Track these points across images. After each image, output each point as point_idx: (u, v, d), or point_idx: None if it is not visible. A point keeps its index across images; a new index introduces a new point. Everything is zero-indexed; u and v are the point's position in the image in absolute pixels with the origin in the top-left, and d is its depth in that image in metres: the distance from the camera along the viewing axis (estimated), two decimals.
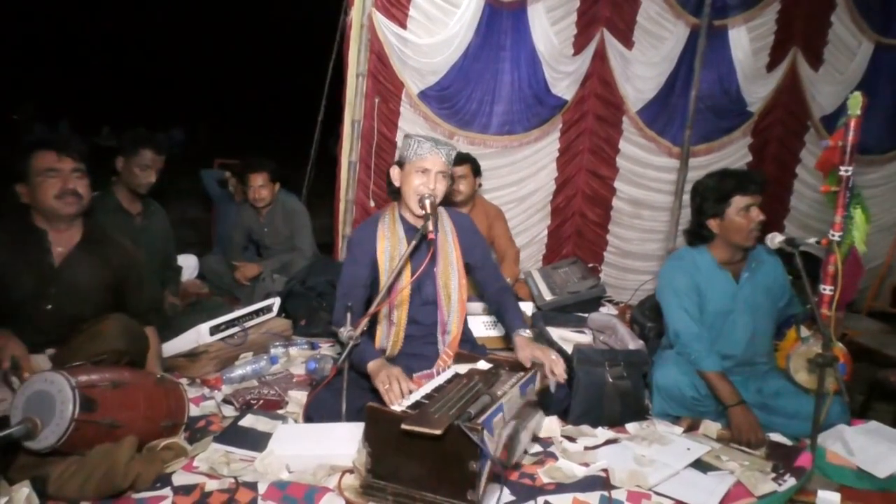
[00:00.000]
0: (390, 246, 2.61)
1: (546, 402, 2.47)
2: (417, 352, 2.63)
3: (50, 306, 2.37)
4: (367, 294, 2.65)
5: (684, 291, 2.74)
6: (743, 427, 2.47)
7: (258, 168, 4.10)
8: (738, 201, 2.65)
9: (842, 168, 2.65)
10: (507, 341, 3.40)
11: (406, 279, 2.58)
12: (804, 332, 2.71)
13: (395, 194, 2.67)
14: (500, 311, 2.77)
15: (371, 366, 2.36)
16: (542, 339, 3.21)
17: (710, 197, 2.72)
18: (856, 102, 2.62)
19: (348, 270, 2.67)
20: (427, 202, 2.43)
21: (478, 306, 3.36)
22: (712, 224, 2.73)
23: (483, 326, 3.34)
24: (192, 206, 6.19)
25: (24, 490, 1.88)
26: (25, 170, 2.33)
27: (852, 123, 2.62)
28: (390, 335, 2.66)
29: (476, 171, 3.89)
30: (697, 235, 2.80)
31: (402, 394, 2.15)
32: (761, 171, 2.74)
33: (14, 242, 2.36)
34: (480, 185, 4.04)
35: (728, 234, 2.70)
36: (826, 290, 2.67)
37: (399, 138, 4.15)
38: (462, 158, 3.80)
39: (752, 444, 2.43)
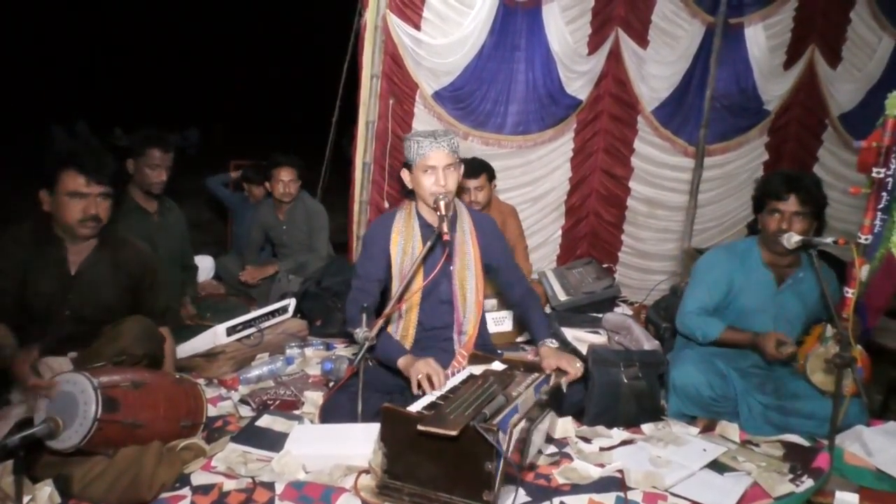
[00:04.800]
0: (404, 241, 2.62)
1: (558, 401, 2.48)
2: (430, 357, 2.63)
3: (68, 312, 2.40)
4: (381, 288, 2.67)
5: (713, 284, 2.77)
6: (766, 342, 2.55)
7: (288, 163, 4.14)
8: (772, 203, 2.65)
9: (875, 170, 2.61)
10: (520, 335, 3.43)
11: (419, 280, 2.58)
12: (829, 330, 2.69)
13: (411, 195, 2.68)
14: (526, 318, 2.78)
15: (402, 362, 2.40)
16: (557, 339, 3.21)
17: (757, 191, 2.75)
18: (894, 102, 2.57)
19: (363, 265, 2.70)
20: (441, 203, 2.43)
21: (487, 303, 3.35)
22: (759, 217, 2.76)
23: (493, 322, 3.34)
24: (208, 207, 6.24)
25: (46, 489, 1.92)
26: (52, 181, 2.32)
27: (890, 124, 2.57)
28: (399, 330, 2.67)
29: (491, 177, 3.88)
30: (753, 223, 2.89)
31: (437, 386, 2.21)
32: (813, 182, 2.67)
33: (33, 249, 2.38)
34: (495, 186, 4.05)
35: (763, 232, 2.72)
36: (849, 293, 2.64)
37: None
38: (477, 168, 3.76)
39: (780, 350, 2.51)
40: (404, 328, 2.67)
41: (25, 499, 1.85)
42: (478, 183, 3.75)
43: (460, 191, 3.71)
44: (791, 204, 2.59)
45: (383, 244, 2.65)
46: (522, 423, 2.03)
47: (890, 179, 2.63)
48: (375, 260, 2.66)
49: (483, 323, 2.80)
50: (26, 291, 2.35)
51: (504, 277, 2.81)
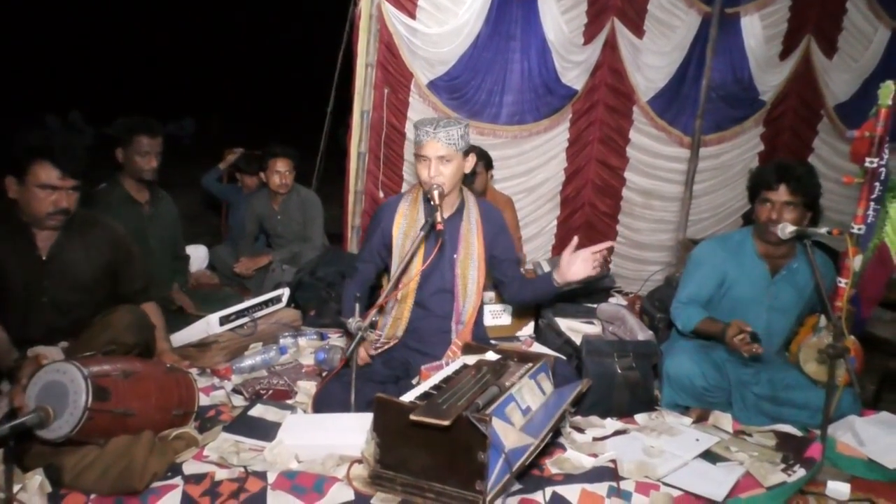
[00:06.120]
0: (406, 225, 2.63)
1: (578, 401, 2.49)
2: (427, 350, 2.63)
3: (45, 299, 2.39)
4: (379, 271, 2.71)
5: (705, 275, 2.77)
6: (727, 330, 2.51)
7: (284, 154, 4.13)
8: (763, 193, 2.64)
9: (868, 159, 2.60)
10: (518, 329, 3.43)
11: (417, 266, 2.57)
12: (823, 321, 2.69)
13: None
14: (525, 287, 2.77)
15: None
16: (551, 329, 3.21)
17: (750, 181, 2.74)
18: (887, 92, 2.55)
19: (367, 244, 2.73)
20: (435, 193, 2.42)
21: (485, 295, 3.33)
22: (753, 207, 2.75)
23: (490, 315, 3.33)
24: (201, 198, 6.21)
25: (37, 478, 1.91)
26: (22, 169, 2.28)
27: (882, 114, 2.57)
28: (394, 312, 2.67)
29: (488, 164, 3.87)
30: (749, 214, 2.84)
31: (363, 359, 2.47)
32: (805, 171, 2.64)
33: (2, 238, 2.36)
34: (492, 176, 4.03)
35: (756, 221, 2.71)
36: (842, 282, 2.64)
37: (408, 129, 4.15)
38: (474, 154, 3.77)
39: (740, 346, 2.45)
40: (399, 311, 2.66)
41: (16, 488, 1.85)
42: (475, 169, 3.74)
43: None
44: (781, 193, 2.58)
45: (386, 226, 2.65)
46: (546, 432, 2.06)
47: (883, 169, 2.63)
48: (377, 242, 2.67)
49: (480, 314, 2.80)
50: (2, 282, 2.33)
51: (502, 273, 2.78)
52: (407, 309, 2.66)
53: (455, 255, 2.64)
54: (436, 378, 2.24)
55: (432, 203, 2.43)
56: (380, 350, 2.69)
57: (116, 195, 3.27)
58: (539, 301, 3.18)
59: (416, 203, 2.66)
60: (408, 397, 2.05)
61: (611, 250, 2.55)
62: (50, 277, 2.39)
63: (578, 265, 2.56)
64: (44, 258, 2.40)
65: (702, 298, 2.77)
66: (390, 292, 2.44)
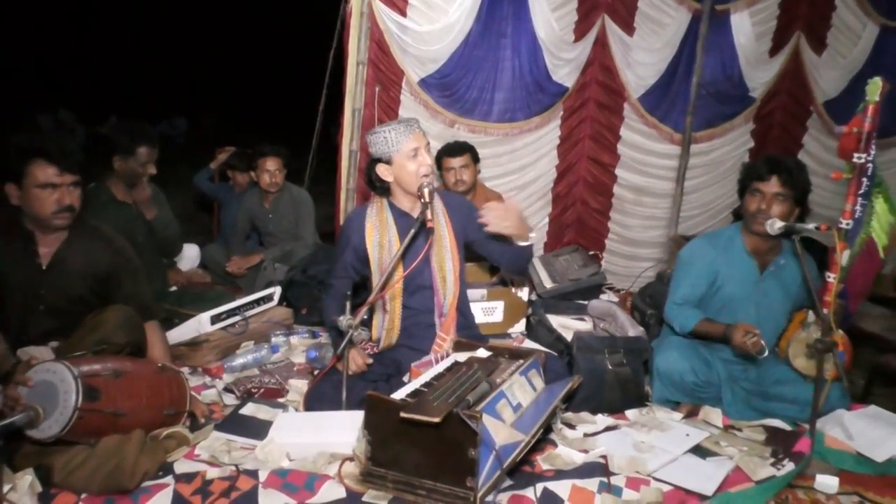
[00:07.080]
0: (379, 235, 2.61)
1: (569, 397, 2.49)
2: (416, 345, 2.64)
3: (42, 306, 2.38)
4: (354, 282, 2.69)
5: (696, 275, 2.77)
6: (734, 332, 2.51)
7: (273, 153, 4.14)
8: (753, 184, 2.66)
9: (855, 155, 2.62)
10: (508, 325, 3.43)
11: (400, 270, 2.57)
12: (811, 316, 2.70)
13: (386, 192, 2.65)
14: (508, 253, 2.70)
15: None
16: (542, 326, 3.22)
17: (742, 173, 2.76)
18: (874, 88, 2.56)
19: (338, 260, 2.72)
20: (426, 190, 2.42)
21: (476, 293, 3.35)
22: (742, 201, 2.76)
23: (482, 313, 3.34)
24: (194, 197, 6.20)
25: (27, 478, 1.91)
26: (20, 174, 2.27)
27: (870, 110, 2.58)
28: (385, 323, 2.67)
29: (476, 158, 3.88)
30: (738, 210, 2.86)
31: (355, 367, 2.45)
32: (796, 165, 2.68)
33: (2, 244, 2.34)
34: (479, 171, 4.04)
35: (744, 214, 2.72)
36: (831, 277, 2.66)
37: None
38: (461, 148, 3.79)
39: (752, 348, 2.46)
40: (390, 321, 2.66)
41: (6, 488, 1.84)
42: (462, 161, 3.76)
43: (445, 172, 3.72)
44: (772, 185, 2.60)
45: (358, 241, 2.64)
46: (537, 427, 2.06)
47: (870, 165, 2.65)
48: (349, 257, 2.67)
49: (466, 306, 2.80)
50: (1, 289, 2.31)
51: (491, 250, 2.74)
52: (397, 316, 2.67)
53: (430, 253, 2.64)
54: (426, 375, 2.25)
55: (423, 200, 2.42)
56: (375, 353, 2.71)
57: (102, 197, 3.27)
58: (523, 263, 3.00)
59: (383, 211, 2.65)
60: (398, 395, 2.06)
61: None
62: (47, 287, 2.38)
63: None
64: (43, 267, 2.38)
65: (696, 299, 2.78)
66: (378, 294, 2.45)
